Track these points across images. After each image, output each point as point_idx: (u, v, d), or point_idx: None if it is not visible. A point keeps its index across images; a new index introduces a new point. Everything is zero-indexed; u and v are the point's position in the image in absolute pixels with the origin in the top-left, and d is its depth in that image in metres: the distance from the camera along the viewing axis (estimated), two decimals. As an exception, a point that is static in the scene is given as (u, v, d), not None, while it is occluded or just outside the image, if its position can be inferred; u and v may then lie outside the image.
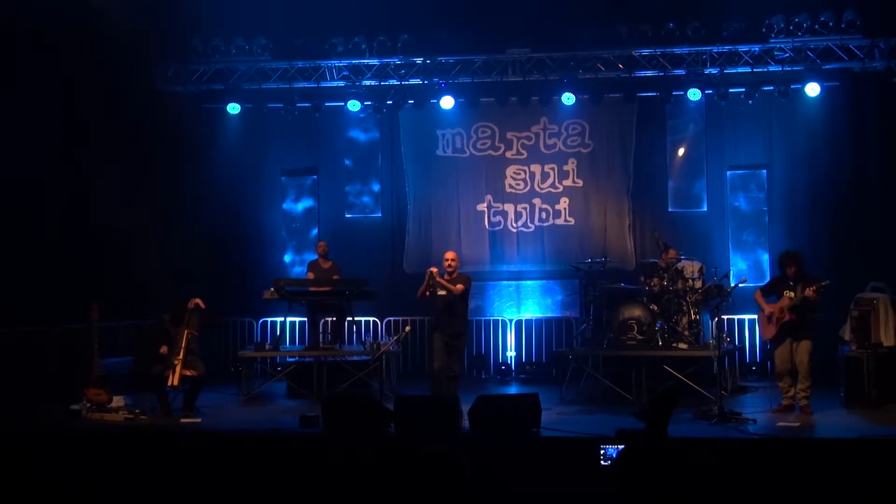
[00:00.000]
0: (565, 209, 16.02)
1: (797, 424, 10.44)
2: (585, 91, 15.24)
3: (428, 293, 11.65)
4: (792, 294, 11.12)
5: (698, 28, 14.52)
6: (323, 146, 16.55)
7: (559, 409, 11.72)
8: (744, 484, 8.59)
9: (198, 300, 11.89)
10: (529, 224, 16.12)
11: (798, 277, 11.19)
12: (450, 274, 11.71)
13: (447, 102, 15.37)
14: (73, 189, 14.04)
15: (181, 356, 11.46)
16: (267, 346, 13.91)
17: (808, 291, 10.90)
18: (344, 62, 15.25)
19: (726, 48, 14.54)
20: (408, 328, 12.04)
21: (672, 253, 13.32)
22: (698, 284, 13.05)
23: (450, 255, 11.90)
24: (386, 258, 16.25)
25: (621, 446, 7.92)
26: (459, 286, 11.64)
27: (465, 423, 10.19)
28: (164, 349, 11.65)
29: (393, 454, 9.06)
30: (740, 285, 12.19)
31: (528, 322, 15.74)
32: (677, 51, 14.68)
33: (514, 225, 16.15)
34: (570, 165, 16.01)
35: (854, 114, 14.89)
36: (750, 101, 14.87)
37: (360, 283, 13.52)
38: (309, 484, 9.09)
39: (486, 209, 16.20)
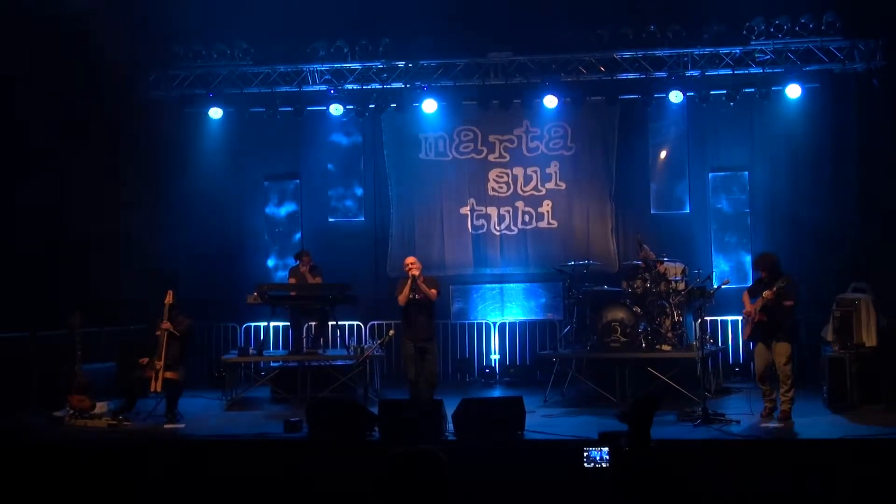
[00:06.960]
0: (548, 212, 16.02)
1: (780, 426, 10.48)
2: (567, 94, 15.25)
3: (412, 296, 11.64)
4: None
5: (679, 30, 14.55)
6: (305, 150, 16.52)
7: (543, 412, 11.74)
8: (727, 485, 8.62)
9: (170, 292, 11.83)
10: (513, 227, 16.11)
11: (772, 278, 11.20)
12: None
13: (429, 106, 15.31)
14: (54, 195, 13.97)
15: (162, 360, 11.43)
16: (250, 351, 13.91)
17: (767, 293, 10.89)
18: (326, 66, 15.21)
19: (707, 50, 14.58)
20: (391, 332, 11.98)
21: (645, 250, 13.34)
22: (681, 286, 13.09)
23: (411, 259, 11.93)
24: (369, 262, 16.21)
25: (605, 448, 7.97)
26: (433, 290, 11.69)
27: (450, 426, 10.20)
28: (143, 361, 11.60)
29: (375, 456, 9.06)
30: (723, 287, 12.11)
31: (512, 325, 15.72)
32: (658, 53, 14.70)
33: (498, 228, 16.12)
34: (553, 168, 16.02)
35: (834, 115, 14.91)
36: (731, 103, 14.86)
37: (343, 287, 13.51)
38: (293, 489, 9.09)
39: (469, 212, 16.17)
